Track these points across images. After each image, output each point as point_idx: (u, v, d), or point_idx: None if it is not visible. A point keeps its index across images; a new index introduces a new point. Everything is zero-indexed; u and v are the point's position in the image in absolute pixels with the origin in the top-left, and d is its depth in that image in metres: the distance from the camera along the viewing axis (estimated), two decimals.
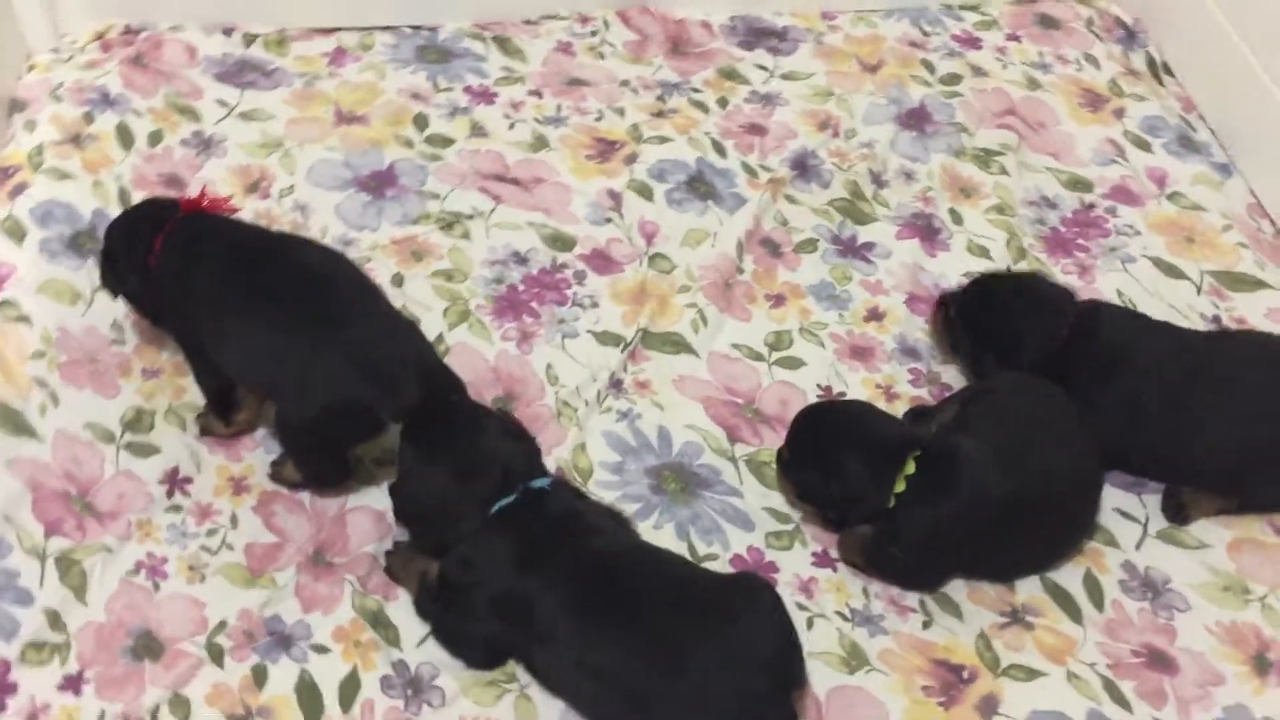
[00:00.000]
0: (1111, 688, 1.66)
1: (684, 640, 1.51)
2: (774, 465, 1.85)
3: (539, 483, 1.62)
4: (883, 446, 1.71)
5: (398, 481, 1.69)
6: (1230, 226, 2.25)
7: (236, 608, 1.68)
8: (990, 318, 1.90)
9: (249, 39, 2.48)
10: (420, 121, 2.35)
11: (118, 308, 1.97)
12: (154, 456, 1.83)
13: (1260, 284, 2.15)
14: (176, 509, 1.78)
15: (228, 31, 2.48)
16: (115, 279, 1.85)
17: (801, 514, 1.81)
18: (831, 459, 1.72)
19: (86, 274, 2.02)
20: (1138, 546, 1.82)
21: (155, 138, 2.26)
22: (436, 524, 1.64)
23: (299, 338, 1.64)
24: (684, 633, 1.51)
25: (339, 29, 2.52)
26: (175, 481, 1.81)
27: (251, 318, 1.67)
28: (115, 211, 2.08)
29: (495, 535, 1.59)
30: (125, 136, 2.25)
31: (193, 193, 2.06)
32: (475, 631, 1.62)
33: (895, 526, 1.69)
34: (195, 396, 1.90)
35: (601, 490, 1.83)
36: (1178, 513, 1.85)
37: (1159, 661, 1.70)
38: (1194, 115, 2.51)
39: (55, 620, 1.65)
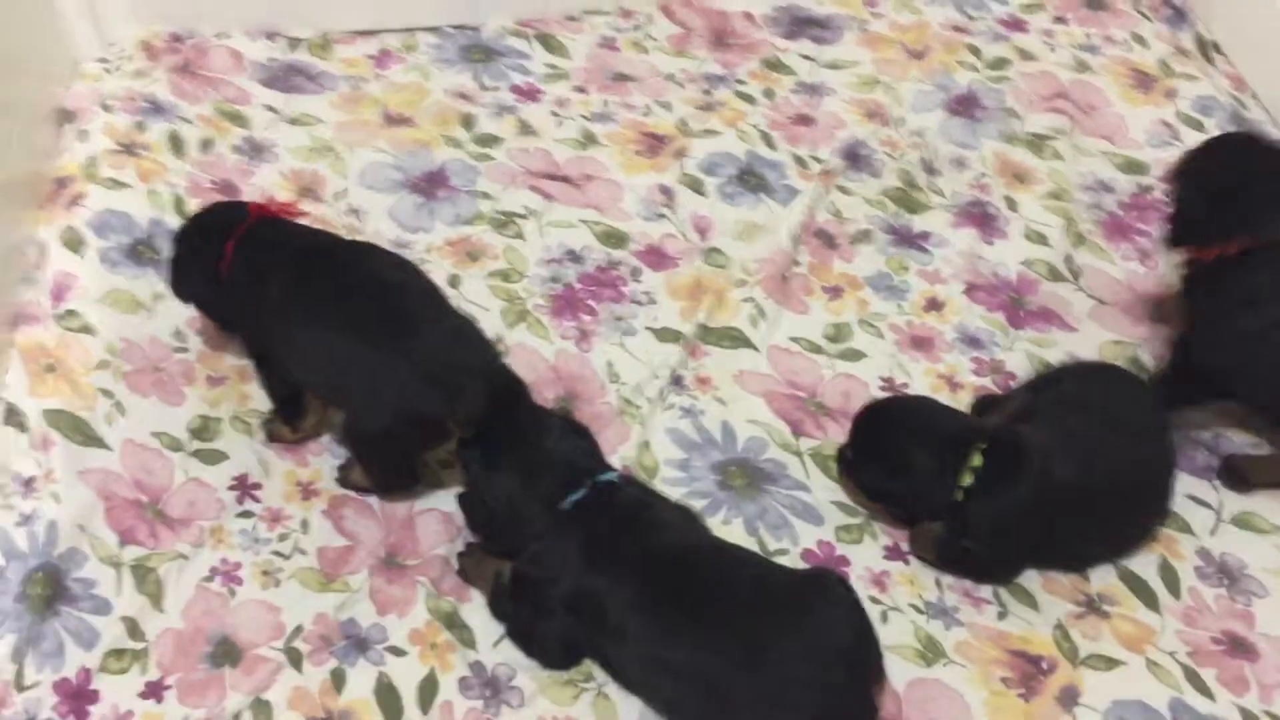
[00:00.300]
0: (1193, 676, 1.66)
1: (760, 634, 1.51)
2: (837, 462, 1.84)
3: (607, 476, 1.63)
4: (947, 440, 1.70)
5: (466, 492, 1.70)
6: None
7: (312, 612, 1.68)
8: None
9: (293, 43, 2.48)
10: (468, 121, 2.35)
11: (180, 315, 1.98)
12: (223, 463, 1.84)
13: None
14: (247, 515, 1.79)
15: (271, 36, 2.48)
16: (186, 285, 1.85)
17: (868, 511, 1.81)
18: (896, 456, 1.71)
19: (147, 283, 2.03)
20: (1212, 533, 1.81)
21: (207, 144, 2.27)
22: (508, 529, 1.64)
23: (368, 347, 1.64)
24: (759, 627, 1.51)
25: (382, 30, 2.53)
26: (245, 488, 1.81)
27: (322, 326, 1.67)
28: (172, 219, 2.09)
29: (567, 531, 1.59)
30: (177, 144, 2.25)
31: (248, 198, 2.08)
32: (550, 630, 1.63)
33: (964, 520, 1.69)
34: (260, 403, 1.91)
35: (668, 487, 1.83)
36: (1236, 479, 1.83)
37: (1239, 648, 1.69)
38: (1246, 94, 2.48)
39: (134, 628, 1.66)
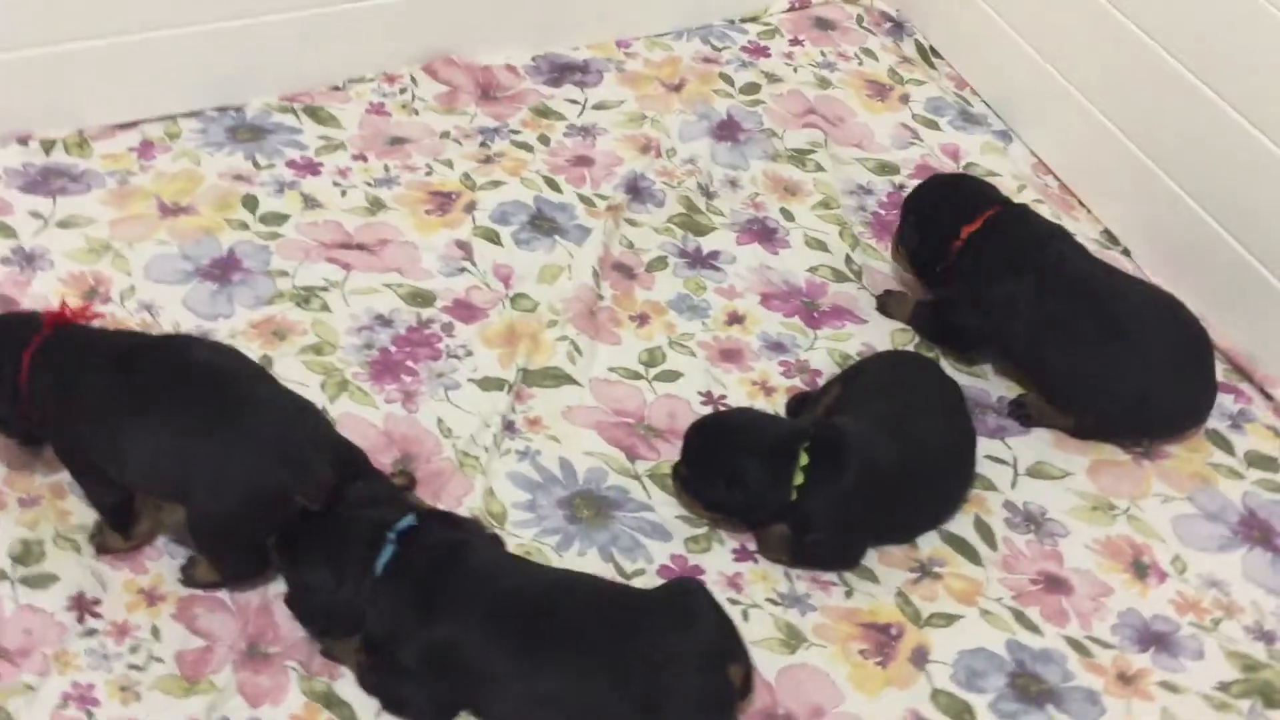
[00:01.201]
0: (1020, 616, 1.82)
1: (622, 648, 1.57)
2: (673, 483, 1.93)
3: (404, 522, 1.65)
4: (773, 446, 1.82)
5: (287, 594, 1.70)
6: (1024, 185, 2.49)
7: (181, 717, 1.64)
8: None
9: (47, 145, 2.40)
10: (249, 202, 2.33)
11: None
12: (54, 585, 1.76)
13: None
14: (91, 633, 1.72)
15: (23, 140, 2.39)
16: None
17: (709, 521, 1.90)
18: (729, 468, 1.82)
19: None
20: (1012, 485, 1.99)
21: None
22: (337, 616, 1.65)
23: (207, 435, 1.62)
24: (619, 642, 1.58)
25: (141, 121, 2.47)
26: (83, 605, 1.74)
27: (151, 422, 1.64)
28: None
29: (391, 593, 1.61)
30: None
31: (30, 309, 2.00)
32: (419, 693, 1.64)
33: (804, 516, 1.81)
34: (82, 517, 1.84)
35: (518, 529, 1.87)
36: (1022, 415, 2.05)
37: (1055, 584, 1.87)
38: (967, 91, 2.75)
39: None
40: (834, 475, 1.80)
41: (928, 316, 2.17)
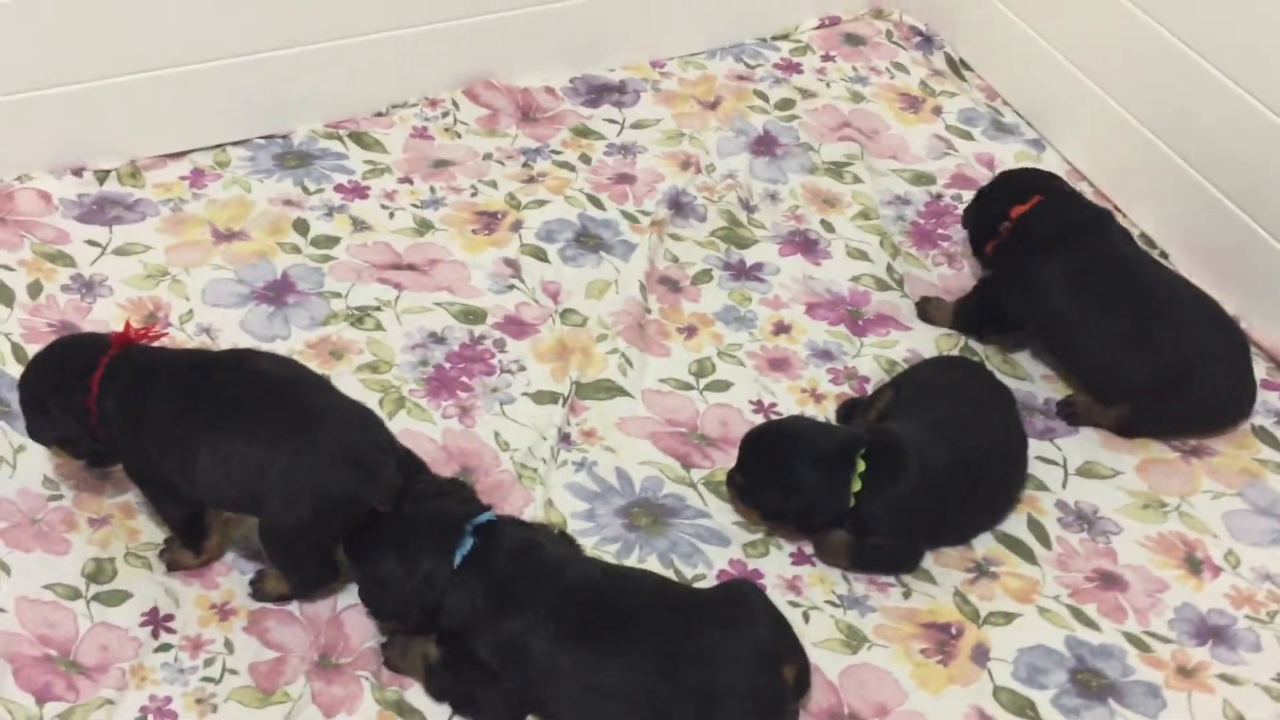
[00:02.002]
0: (1078, 613, 1.85)
1: (681, 645, 1.60)
2: (728, 492, 1.95)
3: (484, 517, 1.69)
4: (831, 452, 1.84)
5: (361, 586, 1.73)
6: None
7: None
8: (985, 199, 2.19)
9: (101, 176, 2.45)
10: (301, 226, 2.38)
11: (47, 464, 1.93)
12: (127, 602, 1.80)
13: None
14: (166, 648, 1.76)
15: (78, 172, 2.45)
16: (48, 425, 1.81)
17: (766, 533, 1.93)
18: (787, 476, 1.84)
19: (3, 437, 1.97)
20: (1064, 485, 2.02)
21: (34, 289, 2.21)
22: (410, 607, 1.68)
23: (277, 445, 1.66)
24: (680, 638, 1.61)
25: (190, 151, 2.52)
26: (157, 621, 1.78)
27: (223, 436, 1.68)
28: (14, 369, 2.03)
29: (467, 585, 1.65)
30: (3, 293, 2.19)
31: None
32: (489, 690, 1.67)
33: (863, 521, 1.83)
34: (152, 535, 1.88)
35: (579, 538, 1.90)
36: (1070, 414, 2.08)
37: (1110, 581, 1.89)
38: (998, 102, 2.79)
39: None
40: (892, 480, 1.83)
41: (968, 307, 2.20)
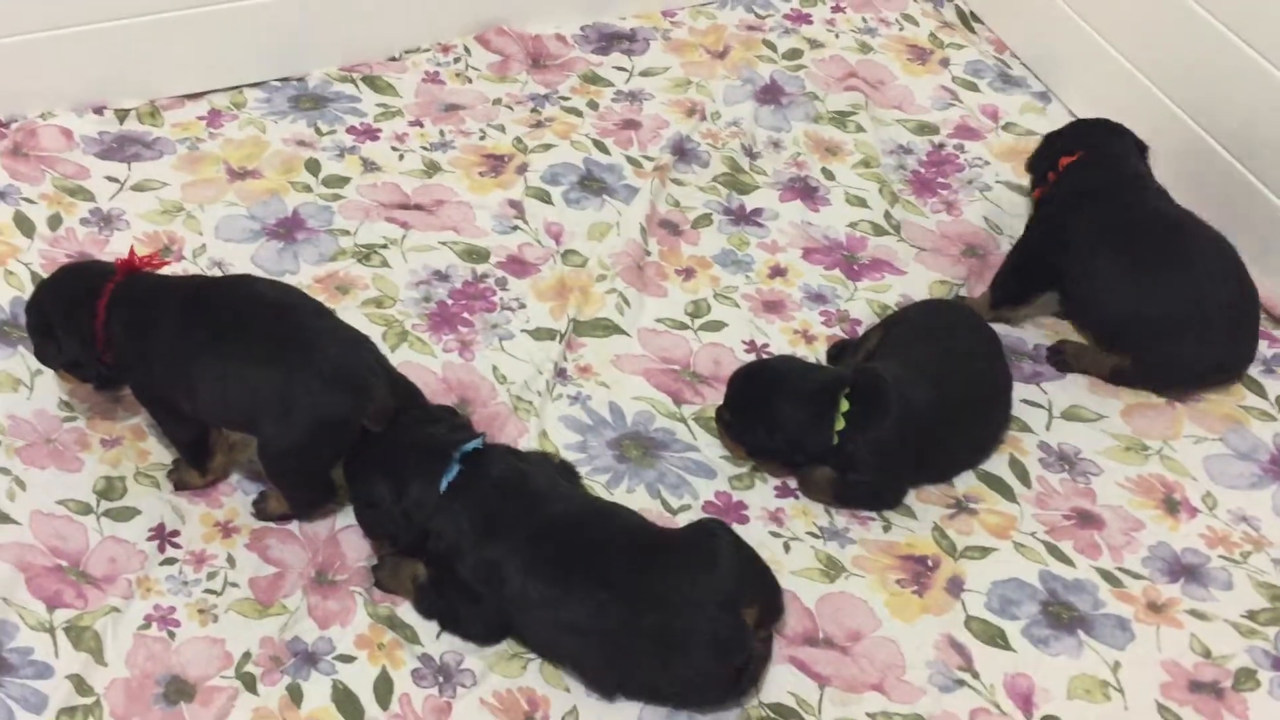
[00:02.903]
0: (1053, 549, 1.89)
1: (647, 583, 1.64)
2: (716, 427, 2.00)
3: (471, 445, 1.74)
4: (816, 391, 1.89)
5: (355, 506, 1.80)
6: None
7: (256, 637, 1.75)
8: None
9: (121, 114, 2.52)
10: (313, 166, 2.44)
11: (61, 387, 2.01)
12: (136, 518, 1.88)
13: None
14: (171, 561, 1.84)
15: (99, 110, 2.51)
16: (56, 349, 1.88)
17: (752, 466, 1.98)
18: (772, 414, 1.90)
19: (21, 360, 2.05)
20: (1047, 428, 2.06)
21: (54, 221, 2.29)
22: (401, 525, 1.74)
23: (273, 366, 1.72)
24: (646, 577, 1.65)
25: (208, 92, 2.58)
26: (164, 536, 1.86)
27: (223, 358, 1.74)
28: None
29: (453, 509, 1.71)
30: (25, 225, 2.27)
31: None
32: (472, 608, 1.73)
33: (847, 458, 1.88)
34: (161, 456, 1.96)
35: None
36: (1059, 360, 2.12)
37: (1087, 520, 1.93)
38: (1006, 54, 2.80)
39: (80, 684, 1.69)
40: (875, 418, 1.87)
41: (1005, 266, 2.21)
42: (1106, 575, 1.86)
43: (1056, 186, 2.15)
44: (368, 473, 1.75)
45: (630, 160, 2.48)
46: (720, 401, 2.00)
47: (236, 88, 2.60)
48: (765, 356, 2.12)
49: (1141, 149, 2.22)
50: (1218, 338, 2.05)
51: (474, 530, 1.69)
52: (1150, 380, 2.10)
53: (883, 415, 1.87)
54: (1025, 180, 2.46)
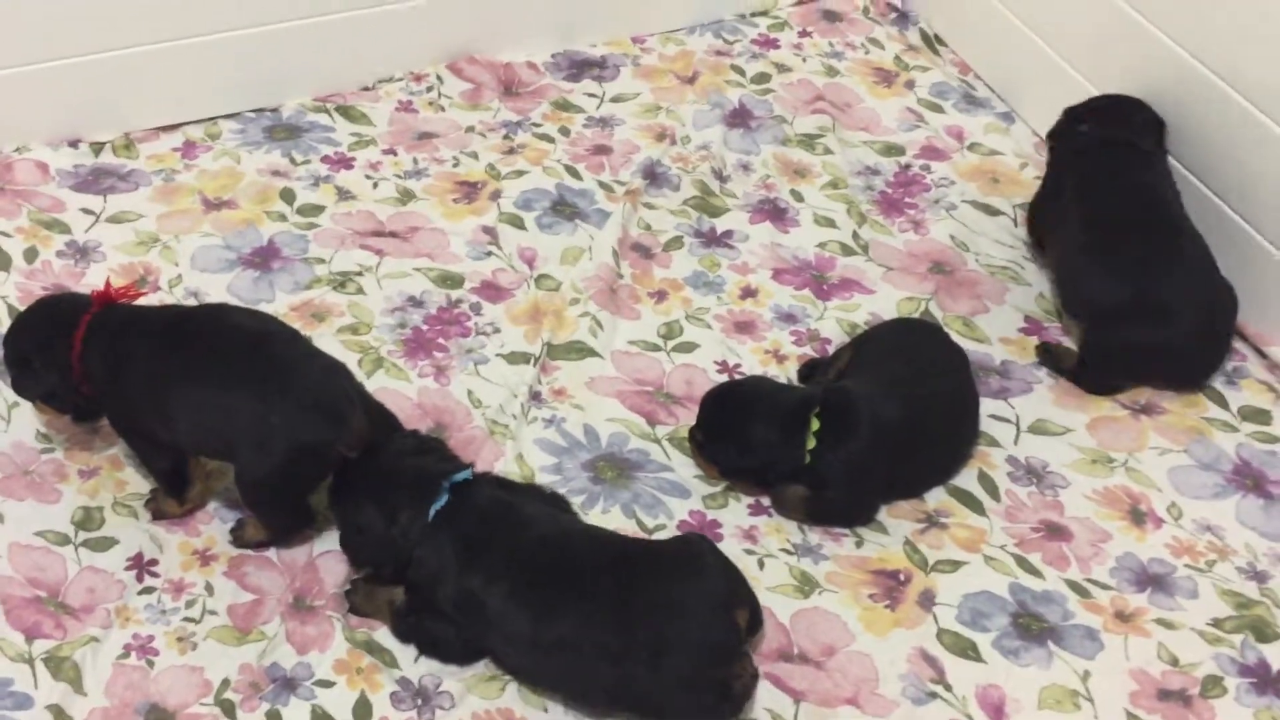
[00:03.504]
0: (1023, 562, 1.92)
1: (632, 601, 1.66)
2: (690, 447, 2.03)
3: (461, 476, 1.76)
4: (787, 411, 1.92)
5: (341, 533, 1.82)
6: (1026, 164, 2.59)
7: (235, 664, 1.76)
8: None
9: (96, 148, 2.54)
10: (287, 195, 2.46)
11: (38, 419, 2.02)
12: (114, 548, 1.89)
13: None
14: (149, 590, 1.85)
15: (74, 144, 2.53)
16: (33, 382, 1.89)
17: (725, 486, 2.00)
18: (744, 434, 1.93)
19: None
20: (1015, 442, 2.09)
21: (30, 254, 2.31)
22: (387, 556, 1.76)
23: (250, 394, 1.74)
24: (632, 595, 1.66)
25: (183, 124, 2.61)
26: (142, 566, 1.87)
27: (199, 386, 1.76)
28: None
29: (438, 539, 1.72)
30: (1, 258, 2.29)
31: None
32: (449, 632, 1.75)
33: (819, 477, 1.91)
34: (138, 486, 1.97)
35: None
36: (1049, 359, 2.19)
37: (1055, 532, 1.97)
38: (970, 76, 2.85)
39: (60, 715, 1.69)
40: (845, 437, 1.90)
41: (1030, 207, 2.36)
42: (1075, 586, 1.89)
43: (1058, 147, 2.28)
44: (357, 498, 1.76)
45: (602, 185, 2.51)
46: (693, 422, 2.03)
47: (211, 119, 2.62)
48: (737, 377, 2.15)
49: (1158, 125, 2.29)
50: (1180, 326, 2.07)
51: (457, 559, 1.70)
52: (1110, 368, 2.12)
53: (853, 433, 1.90)
54: (991, 198, 2.52)
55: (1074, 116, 2.31)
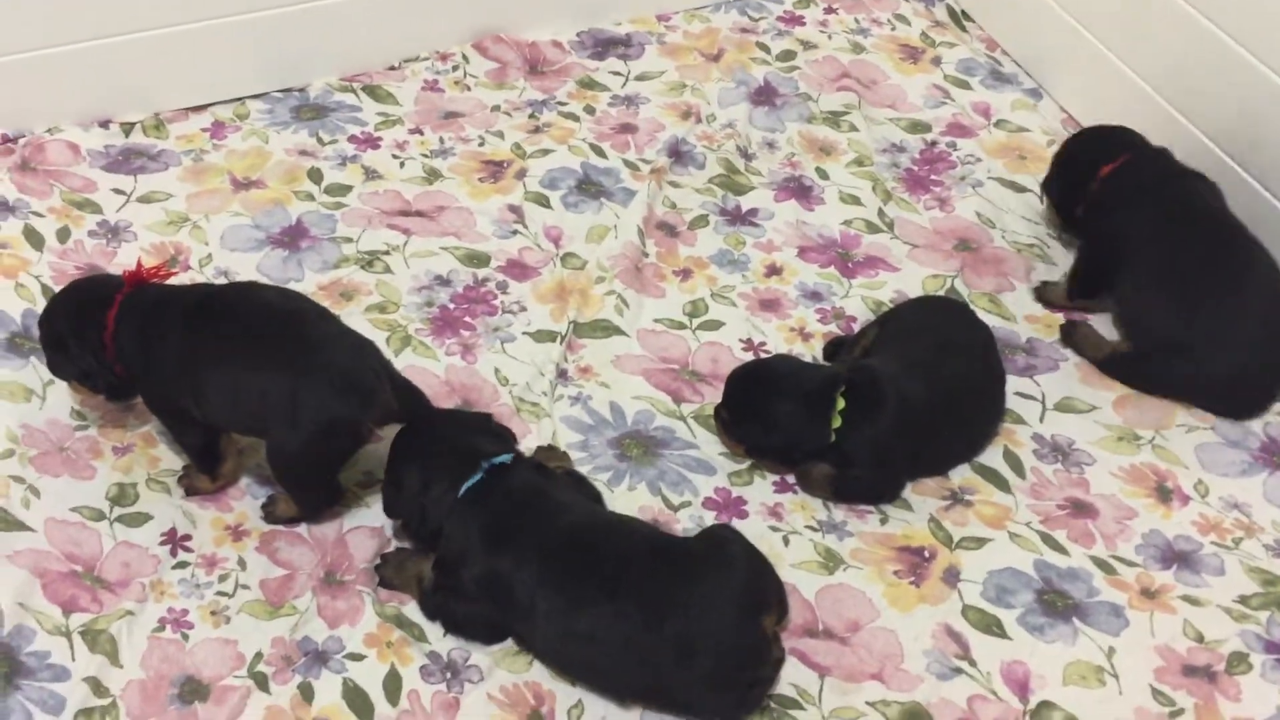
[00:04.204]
0: (1048, 539, 1.92)
1: (658, 592, 1.66)
2: (715, 425, 2.03)
3: (500, 458, 1.78)
4: (810, 390, 1.92)
5: (385, 480, 1.84)
6: (1053, 141, 2.57)
7: (268, 637, 1.79)
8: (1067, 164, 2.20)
9: (126, 128, 2.56)
10: (315, 175, 2.48)
11: (73, 396, 2.05)
12: (148, 523, 1.92)
13: None
14: (184, 565, 1.87)
15: (104, 124, 2.56)
16: (68, 362, 1.92)
17: (751, 463, 2.00)
18: (770, 413, 1.93)
19: (34, 371, 2.09)
20: (1041, 420, 2.09)
21: (63, 234, 2.33)
22: (414, 515, 1.78)
23: (279, 371, 1.77)
24: (657, 586, 1.67)
25: (211, 104, 2.62)
26: (176, 541, 1.90)
27: (230, 363, 1.79)
28: (43, 308, 2.14)
29: (466, 516, 1.74)
30: (34, 238, 2.31)
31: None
32: (473, 612, 1.77)
33: (844, 455, 1.91)
34: (171, 463, 2.00)
35: (574, 466, 2.00)
36: (1070, 338, 2.17)
37: (1081, 509, 1.97)
38: (998, 52, 2.83)
39: (97, 686, 1.73)
40: (871, 415, 1.90)
41: (1078, 279, 2.23)
42: (1100, 563, 1.89)
43: (1108, 193, 2.16)
44: (409, 457, 1.78)
45: (627, 163, 2.51)
46: (719, 400, 2.04)
47: (239, 99, 2.64)
48: (763, 355, 2.15)
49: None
50: (1221, 362, 2.04)
51: (483, 539, 1.72)
52: (1154, 388, 2.10)
53: (879, 412, 1.91)
54: (1018, 176, 2.51)
55: (1092, 159, 2.20)
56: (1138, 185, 2.14)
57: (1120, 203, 2.15)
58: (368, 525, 1.92)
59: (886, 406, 1.91)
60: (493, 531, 1.73)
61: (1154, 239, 2.10)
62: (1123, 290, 2.15)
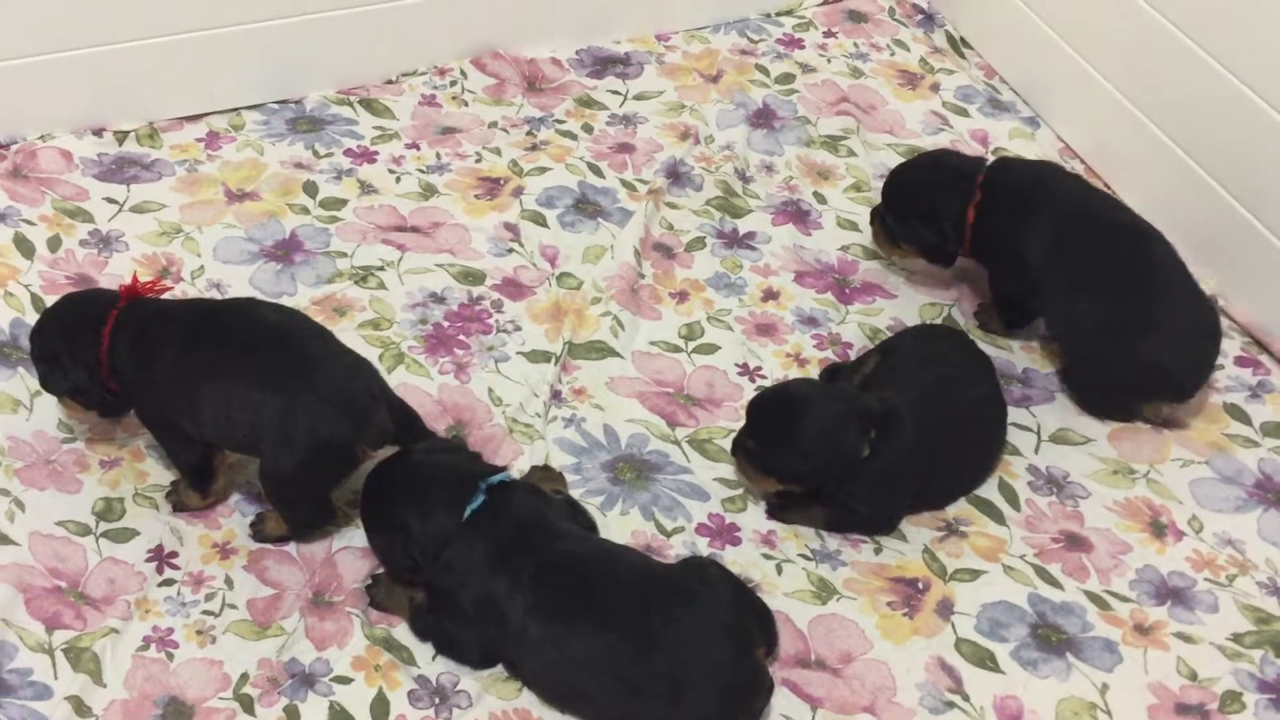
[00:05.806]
0: (1042, 572, 1.92)
1: (649, 623, 1.65)
2: (732, 457, 1.96)
3: (498, 478, 1.76)
4: (852, 416, 1.85)
5: (370, 539, 1.81)
6: None
7: (254, 658, 1.76)
8: (909, 199, 2.17)
9: (120, 136, 2.54)
10: (310, 188, 2.46)
11: (60, 408, 2.02)
12: (135, 539, 1.89)
13: None
14: (170, 583, 1.85)
15: (98, 132, 2.54)
16: (61, 377, 1.90)
17: (749, 488, 1.97)
18: (807, 440, 1.84)
19: (21, 381, 2.07)
20: (1036, 450, 2.09)
21: (54, 243, 2.31)
22: (419, 559, 1.75)
23: (274, 389, 1.75)
24: (649, 616, 1.66)
25: (207, 114, 2.61)
26: (162, 558, 1.88)
27: (225, 380, 1.77)
28: (33, 318, 2.11)
29: (472, 538, 1.72)
30: (24, 246, 2.29)
31: (106, 286, 2.14)
32: (468, 634, 1.75)
33: (855, 484, 1.87)
34: (159, 477, 1.98)
35: (569, 488, 1.98)
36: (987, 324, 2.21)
37: (1075, 543, 1.96)
38: (996, 80, 2.84)
39: (80, 706, 1.70)
40: (889, 446, 1.86)
41: (994, 310, 2.25)
42: (1094, 598, 1.88)
43: (987, 223, 2.13)
44: (387, 506, 1.75)
45: (624, 183, 2.50)
46: (714, 424, 2.02)
47: (235, 110, 2.62)
48: (761, 380, 2.14)
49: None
50: (1159, 343, 2.03)
51: (486, 562, 1.70)
52: (1091, 385, 2.11)
53: (895, 444, 1.86)
54: None
55: (952, 194, 2.15)
56: (1019, 204, 2.11)
57: (1008, 227, 2.12)
58: (357, 545, 1.90)
59: (904, 437, 1.87)
60: (495, 554, 1.71)
61: (1055, 249, 2.08)
62: (1048, 303, 2.14)
